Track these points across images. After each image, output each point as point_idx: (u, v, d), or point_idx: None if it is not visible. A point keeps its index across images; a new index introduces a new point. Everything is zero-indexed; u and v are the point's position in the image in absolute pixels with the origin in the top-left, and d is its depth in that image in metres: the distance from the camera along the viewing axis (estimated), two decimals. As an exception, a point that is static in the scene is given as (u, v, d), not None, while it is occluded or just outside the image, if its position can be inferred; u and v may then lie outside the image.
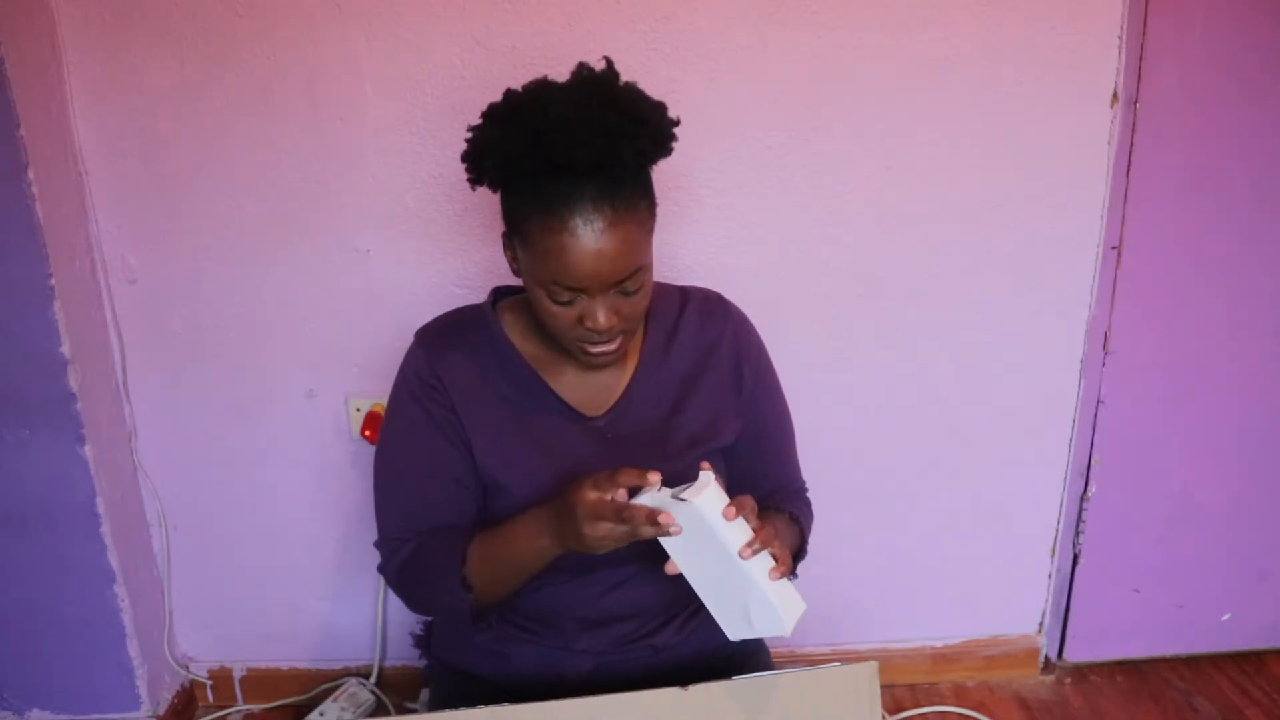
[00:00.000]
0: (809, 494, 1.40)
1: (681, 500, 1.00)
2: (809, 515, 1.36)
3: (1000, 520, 1.96)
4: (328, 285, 1.73)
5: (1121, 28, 1.65)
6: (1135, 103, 1.69)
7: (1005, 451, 1.91)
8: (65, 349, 1.62)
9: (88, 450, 1.68)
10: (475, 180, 1.10)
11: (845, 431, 1.86)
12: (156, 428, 1.83)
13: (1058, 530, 1.98)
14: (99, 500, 1.72)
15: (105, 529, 1.74)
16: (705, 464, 1.05)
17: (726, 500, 1.02)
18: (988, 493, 1.94)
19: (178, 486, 1.87)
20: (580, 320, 1.08)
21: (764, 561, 1.02)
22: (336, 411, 1.81)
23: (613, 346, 1.12)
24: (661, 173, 1.65)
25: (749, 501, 1.06)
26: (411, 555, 1.22)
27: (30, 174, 1.52)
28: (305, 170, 1.66)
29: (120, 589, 1.79)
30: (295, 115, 1.63)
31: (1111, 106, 1.70)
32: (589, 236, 1.02)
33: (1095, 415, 1.89)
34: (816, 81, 1.64)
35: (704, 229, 1.71)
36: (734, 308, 1.32)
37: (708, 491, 1.01)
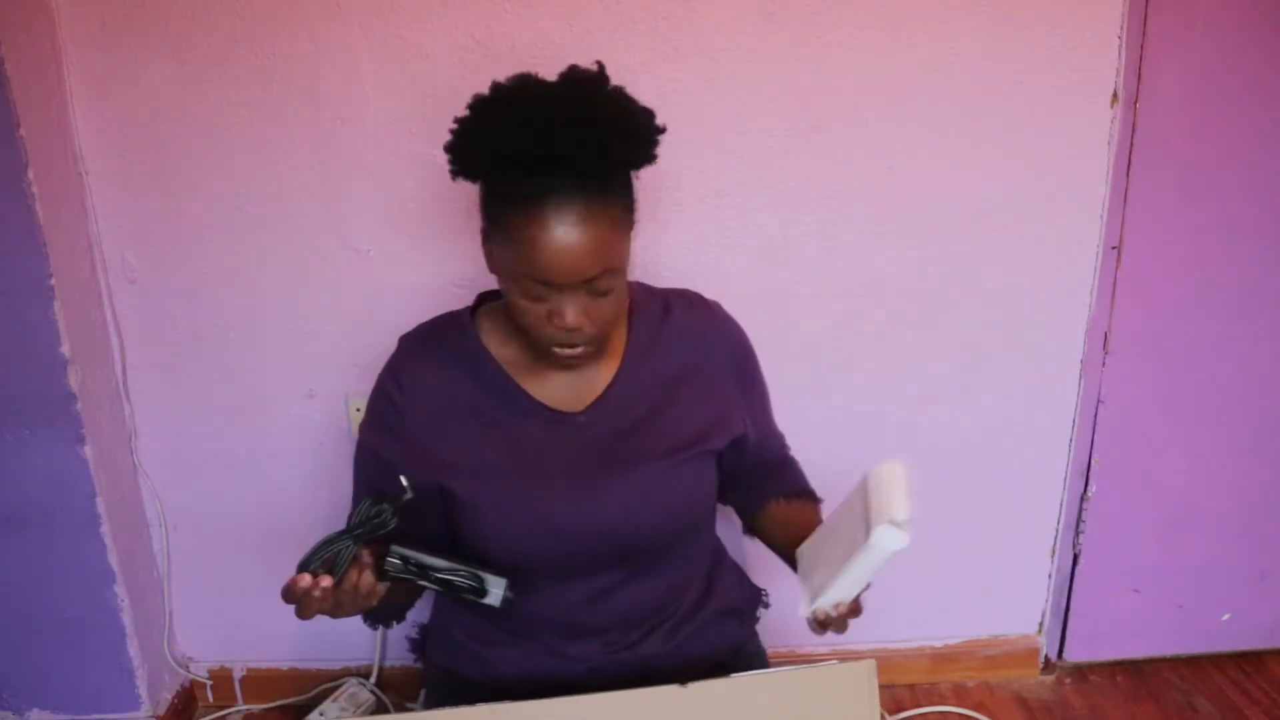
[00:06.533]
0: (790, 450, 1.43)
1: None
2: (803, 473, 1.40)
3: (1000, 520, 1.96)
4: (328, 285, 1.73)
5: (1121, 27, 1.65)
6: (1135, 103, 1.69)
7: (1005, 451, 1.91)
8: (65, 349, 1.62)
9: (88, 450, 1.68)
10: (457, 170, 1.09)
11: (845, 431, 1.86)
12: (156, 428, 1.83)
13: (1058, 530, 1.98)
14: (99, 500, 1.72)
15: (105, 529, 1.74)
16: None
17: None
18: (988, 493, 1.94)
19: (178, 486, 1.87)
20: (550, 317, 1.08)
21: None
22: (336, 411, 1.81)
23: (577, 352, 1.11)
24: (661, 173, 1.66)
25: None
26: None
27: (30, 174, 1.52)
28: (305, 170, 1.66)
29: (120, 589, 1.79)
30: (295, 115, 1.63)
31: (1111, 106, 1.70)
32: (561, 230, 1.02)
33: (1095, 415, 1.89)
34: (816, 81, 1.64)
35: (704, 229, 1.71)
36: (716, 306, 1.31)
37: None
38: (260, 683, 2.01)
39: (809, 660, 1.97)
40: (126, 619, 1.81)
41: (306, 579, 0.97)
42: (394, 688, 1.99)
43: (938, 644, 2.05)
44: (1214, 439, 1.94)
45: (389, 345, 1.76)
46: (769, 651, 1.44)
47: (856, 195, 1.71)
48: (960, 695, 2.02)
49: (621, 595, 1.21)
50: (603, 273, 1.06)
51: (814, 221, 1.72)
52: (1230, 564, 2.02)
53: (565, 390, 1.21)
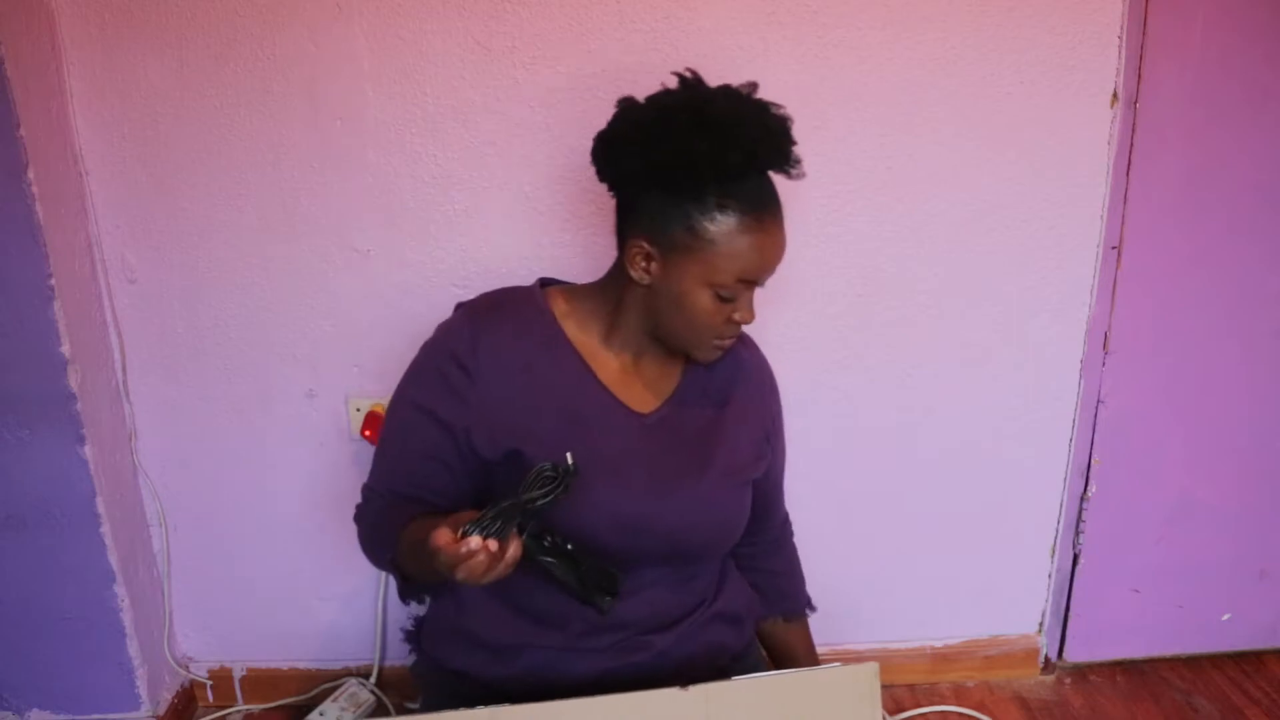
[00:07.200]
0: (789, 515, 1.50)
1: None
2: (797, 557, 1.51)
3: (1000, 521, 1.96)
4: (328, 285, 1.73)
5: (1121, 27, 1.65)
6: (1135, 103, 1.69)
7: (1005, 451, 1.91)
8: (65, 349, 1.62)
9: (88, 450, 1.68)
10: (636, 176, 1.13)
11: (845, 431, 1.86)
12: (156, 428, 1.83)
13: (1058, 530, 1.98)
14: (99, 500, 1.72)
15: (105, 529, 1.74)
16: None
17: None
18: (988, 493, 1.94)
19: (178, 486, 1.87)
20: (729, 317, 1.15)
21: None
22: (336, 411, 1.81)
23: (732, 344, 1.21)
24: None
25: None
26: (373, 513, 1.26)
27: (30, 174, 1.52)
28: (305, 170, 1.66)
29: (120, 589, 1.79)
30: (295, 115, 1.63)
31: (1111, 106, 1.70)
32: (775, 229, 1.13)
33: (1095, 415, 1.89)
34: (816, 81, 1.64)
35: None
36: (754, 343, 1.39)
37: None
38: (260, 683, 2.01)
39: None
40: (126, 619, 1.81)
41: (477, 541, 0.96)
42: (394, 688, 1.99)
43: (938, 644, 2.05)
44: (1214, 438, 1.94)
45: (389, 345, 1.77)
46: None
47: (856, 195, 1.71)
48: (960, 695, 2.02)
49: (655, 593, 1.23)
50: None
51: (815, 221, 1.72)
52: (1230, 564, 2.02)
53: (633, 389, 1.23)
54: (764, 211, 1.11)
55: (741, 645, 1.36)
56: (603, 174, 1.17)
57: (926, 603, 2.02)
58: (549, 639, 1.22)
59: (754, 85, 1.14)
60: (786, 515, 1.49)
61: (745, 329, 1.23)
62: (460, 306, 1.24)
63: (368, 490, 1.29)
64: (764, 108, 1.12)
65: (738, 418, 1.29)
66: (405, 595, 1.21)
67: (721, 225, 1.09)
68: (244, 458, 1.84)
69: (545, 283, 1.29)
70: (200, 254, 1.71)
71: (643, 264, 1.15)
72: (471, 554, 0.95)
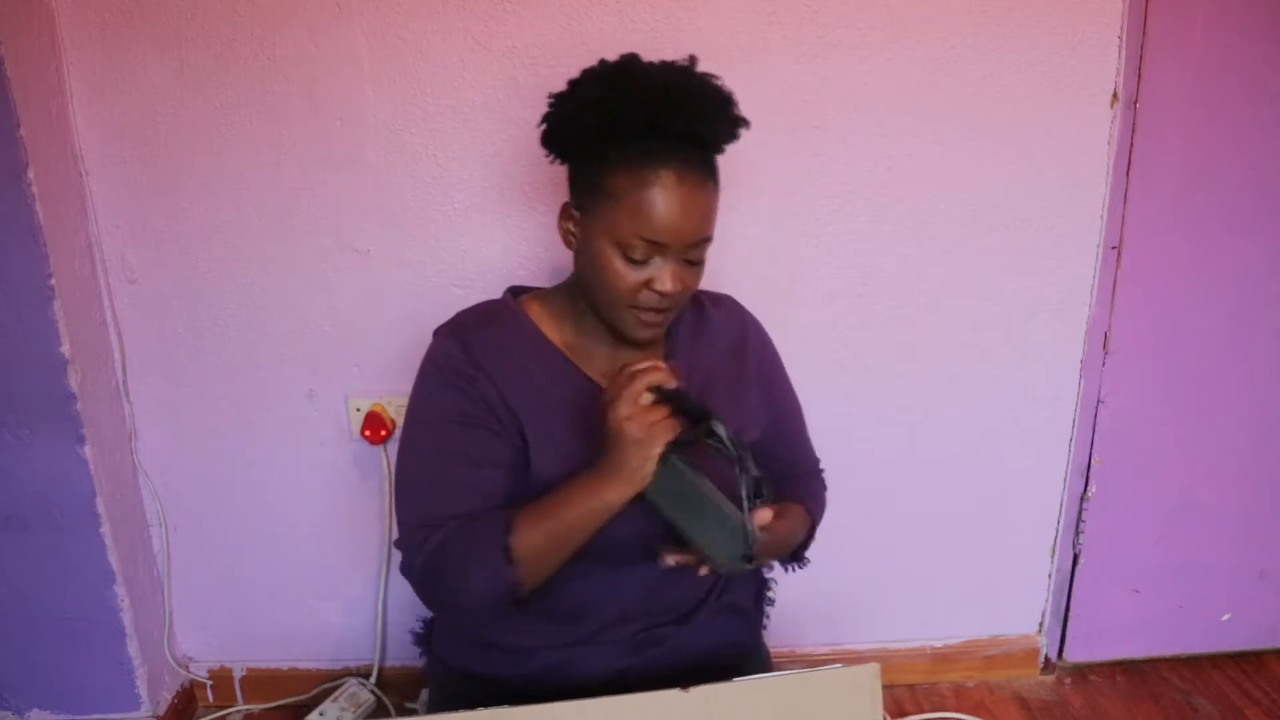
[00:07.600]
0: (823, 468, 1.46)
1: None
2: (822, 495, 1.42)
3: (1000, 521, 1.96)
4: (328, 285, 1.73)
5: (1121, 28, 1.65)
6: (1135, 103, 1.69)
7: (1005, 451, 1.91)
8: (65, 349, 1.62)
9: (88, 450, 1.68)
10: (561, 140, 1.16)
11: (845, 431, 1.86)
12: (156, 428, 1.83)
13: (1058, 530, 1.98)
14: (99, 500, 1.72)
15: (105, 529, 1.74)
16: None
17: None
18: (988, 493, 1.94)
19: (178, 486, 1.87)
20: (647, 283, 1.12)
21: None
22: (336, 411, 1.81)
23: (661, 318, 1.16)
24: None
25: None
26: (444, 540, 1.12)
27: (30, 174, 1.52)
28: (305, 170, 1.66)
29: (120, 589, 1.79)
30: (295, 115, 1.63)
31: (1111, 106, 1.70)
32: (682, 192, 1.09)
33: (1095, 415, 1.89)
34: (816, 81, 1.64)
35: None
36: (746, 309, 1.38)
37: None
38: (260, 683, 2.01)
39: (810, 661, 1.98)
40: (126, 619, 1.81)
41: (666, 368, 1.02)
42: (394, 688, 1.99)
43: (938, 644, 2.05)
44: (1213, 438, 1.94)
45: (389, 345, 1.76)
46: (770, 650, 1.44)
47: (856, 195, 1.71)
48: (960, 695, 2.02)
49: (669, 585, 1.22)
50: (705, 240, 1.14)
51: (814, 221, 1.72)
52: (1230, 564, 2.02)
53: None
54: (664, 168, 1.08)
55: (751, 640, 1.36)
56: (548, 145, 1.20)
57: (926, 603, 2.02)
58: (563, 636, 1.22)
59: (692, 58, 1.14)
60: (818, 465, 1.45)
61: (723, 291, 1.23)
62: (439, 331, 1.23)
63: (418, 531, 1.15)
64: (683, 72, 1.11)
65: (732, 381, 1.29)
66: (526, 591, 1.13)
67: (620, 179, 1.09)
68: (244, 458, 1.84)
69: (516, 292, 1.29)
70: (200, 254, 1.71)
71: (569, 227, 1.17)
72: (657, 366, 1.01)
